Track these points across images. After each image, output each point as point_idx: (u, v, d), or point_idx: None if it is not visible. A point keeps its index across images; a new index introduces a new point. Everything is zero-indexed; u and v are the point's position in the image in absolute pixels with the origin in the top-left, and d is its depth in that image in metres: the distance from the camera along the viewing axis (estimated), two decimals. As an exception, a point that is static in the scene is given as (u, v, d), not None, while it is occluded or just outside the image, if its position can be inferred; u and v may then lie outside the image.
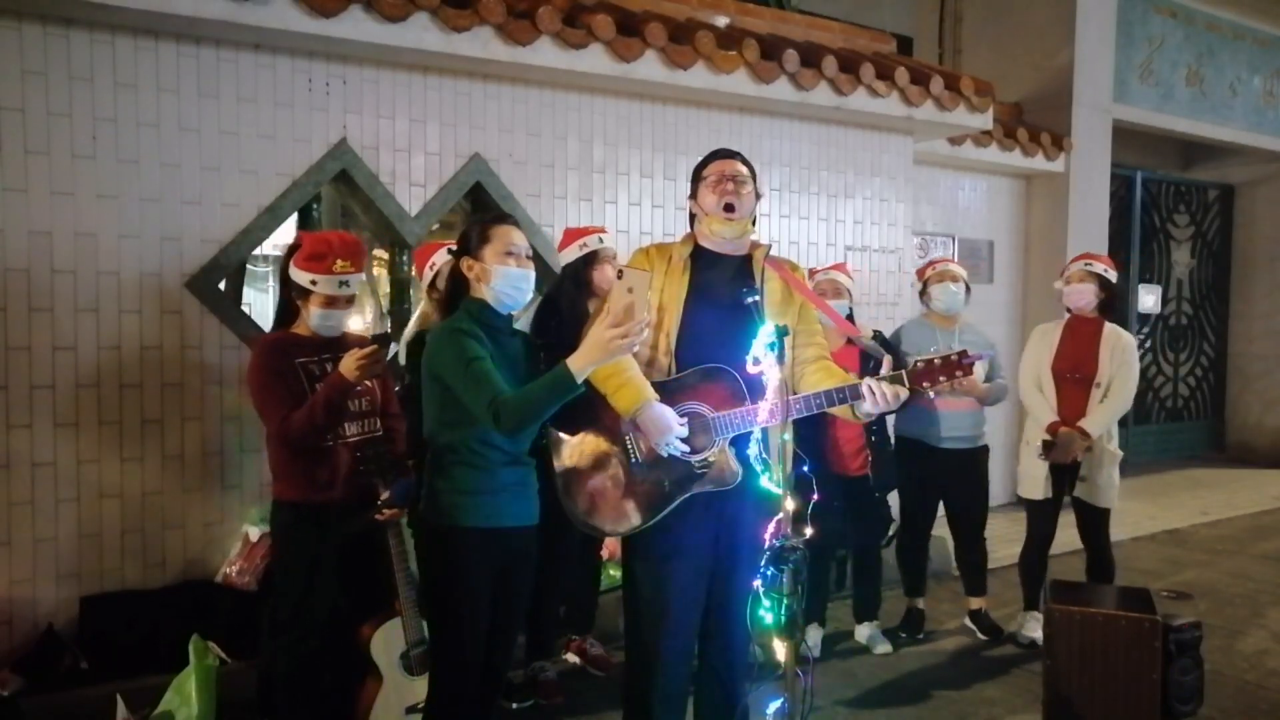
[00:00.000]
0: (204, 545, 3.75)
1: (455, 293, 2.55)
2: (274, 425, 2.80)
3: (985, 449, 4.33)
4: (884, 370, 2.39)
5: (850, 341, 3.83)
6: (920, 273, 4.41)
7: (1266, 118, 8.57)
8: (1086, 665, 3.25)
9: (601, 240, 3.58)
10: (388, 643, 2.98)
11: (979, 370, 4.15)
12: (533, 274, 2.55)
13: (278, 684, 2.91)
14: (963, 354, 2.34)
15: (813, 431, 3.75)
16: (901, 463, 4.32)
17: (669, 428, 2.39)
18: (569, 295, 3.54)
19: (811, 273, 4.16)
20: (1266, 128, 8.58)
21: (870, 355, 2.64)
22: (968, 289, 4.31)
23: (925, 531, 4.43)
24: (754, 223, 2.65)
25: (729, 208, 2.52)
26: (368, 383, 2.95)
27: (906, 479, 4.32)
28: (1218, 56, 8.13)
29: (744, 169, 2.60)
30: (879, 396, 2.34)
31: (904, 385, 2.35)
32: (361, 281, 2.98)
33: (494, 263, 2.46)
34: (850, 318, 4.08)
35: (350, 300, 2.93)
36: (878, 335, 4.20)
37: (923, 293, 4.34)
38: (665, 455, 2.43)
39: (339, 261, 2.85)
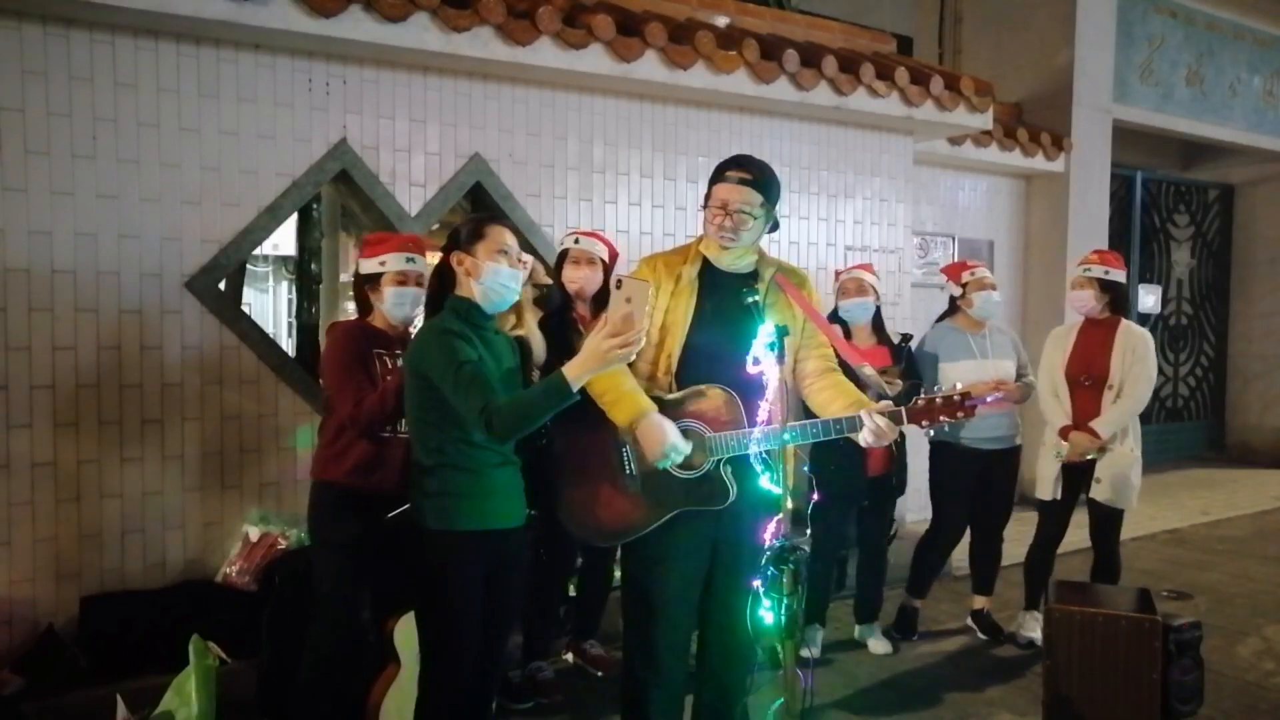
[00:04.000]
0: (204, 545, 3.75)
1: (441, 291, 2.52)
2: (347, 407, 2.84)
3: (1019, 449, 4.30)
4: (885, 400, 2.38)
5: (882, 362, 3.85)
6: (955, 274, 4.32)
7: (1266, 118, 8.57)
8: (1086, 665, 3.25)
9: (578, 241, 3.60)
10: (413, 633, 2.98)
11: (1011, 368, 4.14)
12: (521, 275, 2.54)
13: (307, 669, 2.92)
14: (965, 395, 2.33)
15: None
16: (936, 466, 4.30)
17: (667, 440, 2.38)
18: (551, 291, 3.65)
19: (837, 274, 4.17)
20: (1266, 128, 8.58)
21: (870, 388, 2.63)
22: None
23: (955, 538, 4.38)
24: (774, 226, 2.61)
25: (725, 239, 2.51)
26: None
27: (941, 483, 4.29)
28: (1218, 56, 8.13)
29: (751, 198, 2.48)
30: (876, 432, 2.33)
31: (902, 422, 2.34)
32: (428, 265, 3.03)
33: (486, 260, 2.43)
34: (879, 315, 4.08)
35: (420, 281, 2.99)
36: (906, 338, 4.19)
37: (960, 297, 4.27)
38: (663, 468, 2.42)
39: (402, 243, 3.02)
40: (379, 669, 3.02)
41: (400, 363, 2.88)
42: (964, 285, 4.26)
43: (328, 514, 2.95)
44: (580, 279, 3.55)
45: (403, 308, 2.99)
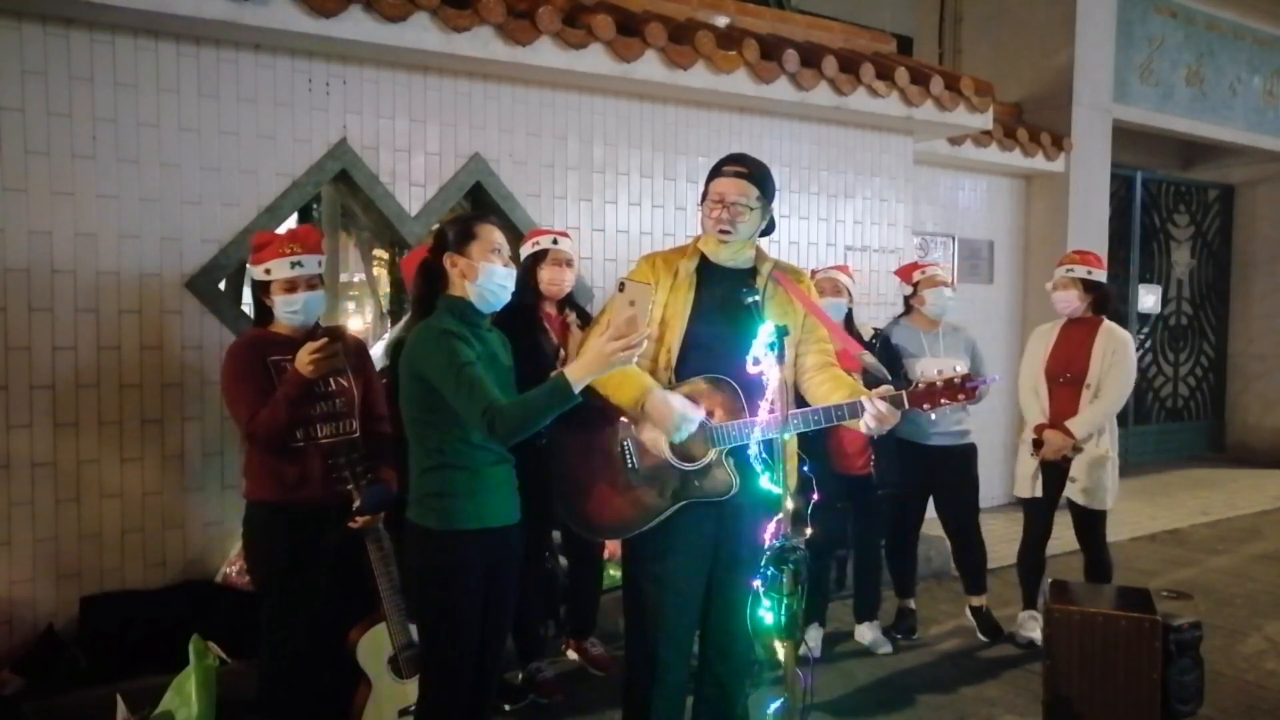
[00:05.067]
0: (204, 545, 3.75)
1: (431, 291, 2.49)
2: (242, 423, 2.79)
3: (973, 447, 4.32)
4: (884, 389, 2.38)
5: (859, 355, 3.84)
6: (906, 275, 4.38)
7: (1266, 118, 8.57)
8: (1086, 665, 3.25)
9: (556, 242, 3.58)
10: (375, 647, 2.97)
11: (963, 366, 4.14)
12: (515, 274, 2.53)
13: (266, 685, 2.89)
14: (966, 377, 2.33)
15: (816, 431, 3.77)
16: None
17: (677, 411, 2.38)
18: (518, 288, 3.58)
19: (813, 273, 4.16)
20: (1266, 128, 8.58)
21: (871, 373, 2.63)
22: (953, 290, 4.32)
23: (913, 532, 4.42)
24: (770, 227, 2.62)
25: (723, 232, 2.52)
26: (343, 382, 2.92)
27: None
28: (1218, 56, 8.13)
29: (747, 190, 2.51)
30: (876, 416, 2.33)
31: (904, 406, 2.34)
32: (320, 262, 2.92)
33: (481, 260, 2.41)
34: (850, 317, 4.09)
35: (313, 284, 2.88)
36: (879, 334, 4.20)
37: (912, 295, 4.32)
38: (681, 440, 2.42)
39: (286, 245, 2.84)
40: (352, 687, 2.99)
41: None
42: (915, 284, 4.29)
43: (260, 534, 2.88)
44: (563, 280, 3.56)
45: (296, 315, 2.86)
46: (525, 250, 3.62)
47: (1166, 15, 7.75)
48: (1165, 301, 9.10)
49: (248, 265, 2.92)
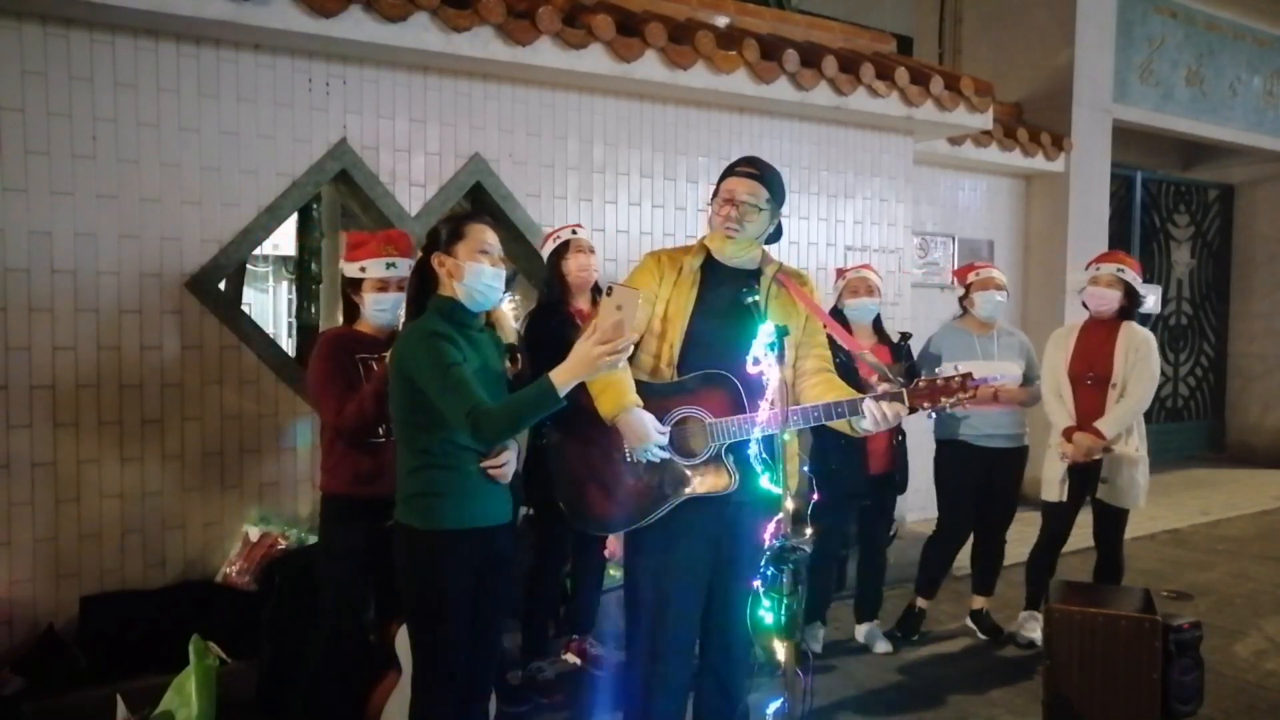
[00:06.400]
0: (204, 545, 3.75)
1: (422, 291, 2.50)
2: (329, 417, 2.87)
3: (1025, 449, 4.30)
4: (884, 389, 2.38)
5: (875, 349, 3.84)
6: (961, 275, 4.34)
7: (1266, 118, 8.57)
8: (1086, 665, 3.25)
9: (575, 232, 3.64)
10: None
11: (1016, 370, 4.13)
12: (504, 274, 2.53)
13: (307, 676, 2.92)
14: (967, 376, 2.33)
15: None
16: (942, 464, 4.32)
17: (647, 435, 2.41)
18: (547, 286, 3.65)
19: (840, 272, 4.16)
20: (1266, 128, 8.58)
21: (873, 371, 2.64)
22: (1007, 294, 4.27)
23: (963, 536, 4.39)
24: (777, 234, 2.64)
25: (729, 228, 2.53)
26: None
27: (946, 481, 4.30)
28: (1218, 56, 8.13)
29: (757, 191, 2.53)
30: (878, 415, 2.34)
31: (904, 404, 2.34)
32: (410, 266, 3.01)
33: (467, 260, 2.40)
34: (878, 318, 4.09)
35: (402, 285, 2.98)
36: (906, 336, 4.19)
37: (964, 297, 4.28)
38: (642, 460, 2.45)
39: (383, 247, 2.99)
40: (379, 675, 3.00)
41: None
42: (968, 286, 4.26)
43: (332, 526, 2.98)
44: (590, 267, 3.61)
45: (384, 314, 2.99)
46: (547, 249, 3.68)
47: (1166, 15, 7.75)
48: (1165, 301, 9.10)
49: (341, 261, 3.05)
